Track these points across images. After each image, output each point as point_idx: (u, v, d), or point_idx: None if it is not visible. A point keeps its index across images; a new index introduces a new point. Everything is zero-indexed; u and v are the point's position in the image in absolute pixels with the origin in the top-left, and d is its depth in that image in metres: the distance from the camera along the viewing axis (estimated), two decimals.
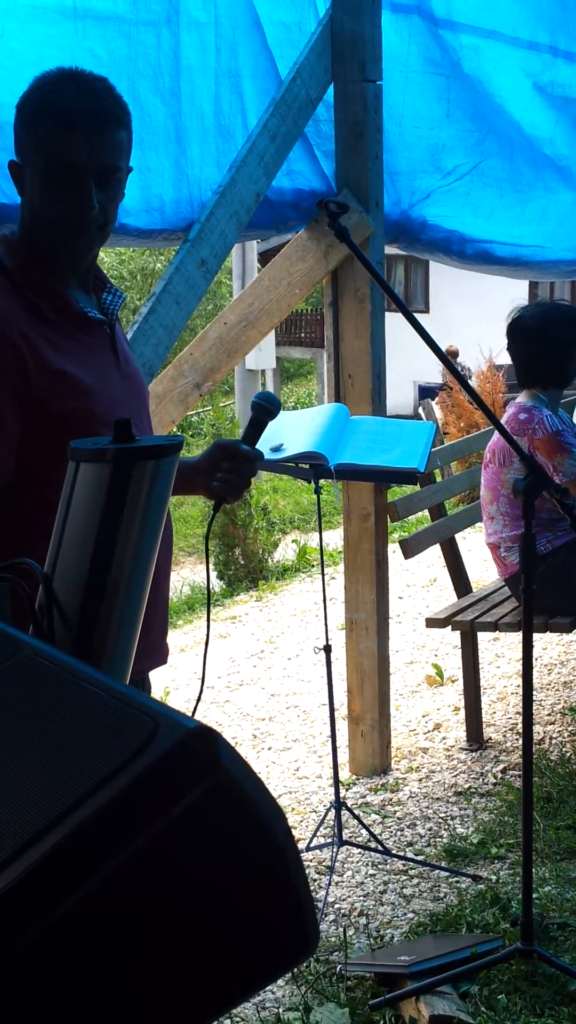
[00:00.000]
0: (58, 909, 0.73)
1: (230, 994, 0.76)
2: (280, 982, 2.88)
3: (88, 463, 1.17)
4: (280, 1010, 2.76)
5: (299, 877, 0.76)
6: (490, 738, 4.52)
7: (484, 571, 7.06)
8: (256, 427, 2.04)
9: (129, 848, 0.72)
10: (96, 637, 1.17)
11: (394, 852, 3.57)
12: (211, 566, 8.59)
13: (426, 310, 22.38)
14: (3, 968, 0.70)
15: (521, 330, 4.12)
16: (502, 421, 4.05)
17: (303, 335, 24.10)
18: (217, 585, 8.46)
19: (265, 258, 16.84)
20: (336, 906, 3.29)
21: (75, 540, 1.18)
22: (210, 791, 0.72)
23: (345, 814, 3.64)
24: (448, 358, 2.70)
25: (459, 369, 18.90)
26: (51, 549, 1.20)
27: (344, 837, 3.55)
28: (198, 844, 0.73)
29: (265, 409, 2.05)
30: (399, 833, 3.77)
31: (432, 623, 4.43)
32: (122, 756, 0.74)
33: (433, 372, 18.87)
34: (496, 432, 4.03)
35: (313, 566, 8.48)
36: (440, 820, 3.84)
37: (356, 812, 3.75)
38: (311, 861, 3.57)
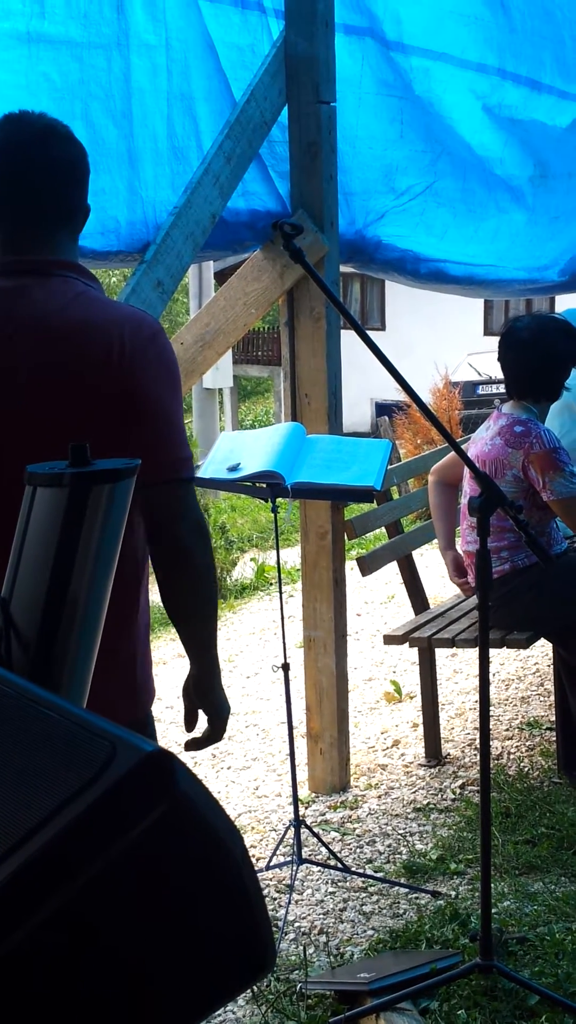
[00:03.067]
0: (17, 932, 0.73)
1: (188, 1015, 0.77)
2: (240, 1001, 2.88)
3: (45, 487, 1.18)
4: None
5: (256, 897, 0.77)
6: (448, 754, 4.54)
7: (441, 587, 7.10)
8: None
9: (88, 872, 0.73)
10: (54, 660, 1.17)
11: (353, 869, 3.57)
12: None
13: (382, 328, 22.51)
14: None
15: (516, 342, 4.07)
16: (495, 432, 4.06)
17: (260, 353, 24.17)
18: None
19: (221, 277, 16.89)
20: (296, 924, 3.30)
21: (33, 564, 1.18)
22: (167, 814, 0.73)
23: (304, 832, 3.65)
24: (402, 377, 2.72)
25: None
26: (8, 573, 1.20)
27: (303, 855, 3.55)
28: (156, 866, 0.74)
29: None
30: (358, 850, 3.78)
31: (390, 640, 4.45)
32: (80, 781, 0.74)
33: (390, 389, 18.99)
34: (487, 443, 4.04)
35: (271, 584, 8.49)
36: (399, 837, 3.86)
37: (315, 830, 3.75)
38: (271, 880, 3.57)
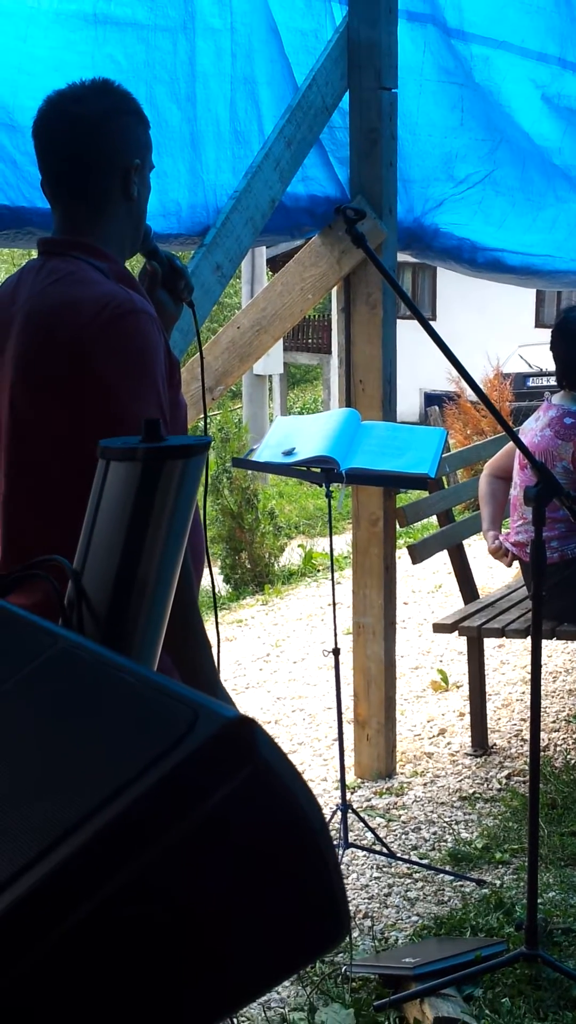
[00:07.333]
0: (93, 897, 0.75)
1: (264, 980, 0.79)
2: (286, 982, 2.90)
3: (118, 462, 1.19)
4: (286, 1010, 2.78)
5: (333, 865, 0.78)
6: (495, 744, 4.54)
7: (490, 578, 7.08)
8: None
9: (168, 837, 0.74)
10: (124, 633, 1.19)
11: (399, 855, 3.58)
12: (217, 570, 8.61)
13: (433, 317, 22.39)
14: (58, 945, 0.72)
15: (569, 332, 4.08)
16: (545, 423, 4.04)
17: (310, 341, 24.16)
18: (223, 588, 8.48)
19: (273, 264, 16.88)
20: None
21: (104, 538, 1.20)
22: (249, 779, 0.74)
23: (351, 817, 3.66)
24: (462, 365, 2.71)
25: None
26: (80, 546, 1.22)
27: (349, 840, 3.56)
28: (237, 832, 0.75)
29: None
30: (404, 837, 3.79)
31: (439, 628, 4.45)
32: (163, 745, 0.75)
33: (439, 379, 18.90)
34: (537, 434, 4.03)
35: (319, 571, 8.49)
36: (444, 824, 3.86)
37: (362, 815, 3.76)
38: None
